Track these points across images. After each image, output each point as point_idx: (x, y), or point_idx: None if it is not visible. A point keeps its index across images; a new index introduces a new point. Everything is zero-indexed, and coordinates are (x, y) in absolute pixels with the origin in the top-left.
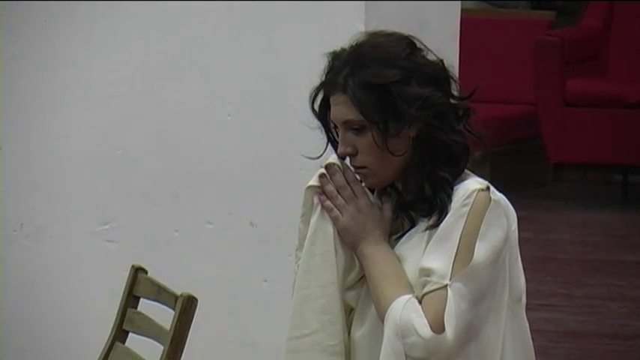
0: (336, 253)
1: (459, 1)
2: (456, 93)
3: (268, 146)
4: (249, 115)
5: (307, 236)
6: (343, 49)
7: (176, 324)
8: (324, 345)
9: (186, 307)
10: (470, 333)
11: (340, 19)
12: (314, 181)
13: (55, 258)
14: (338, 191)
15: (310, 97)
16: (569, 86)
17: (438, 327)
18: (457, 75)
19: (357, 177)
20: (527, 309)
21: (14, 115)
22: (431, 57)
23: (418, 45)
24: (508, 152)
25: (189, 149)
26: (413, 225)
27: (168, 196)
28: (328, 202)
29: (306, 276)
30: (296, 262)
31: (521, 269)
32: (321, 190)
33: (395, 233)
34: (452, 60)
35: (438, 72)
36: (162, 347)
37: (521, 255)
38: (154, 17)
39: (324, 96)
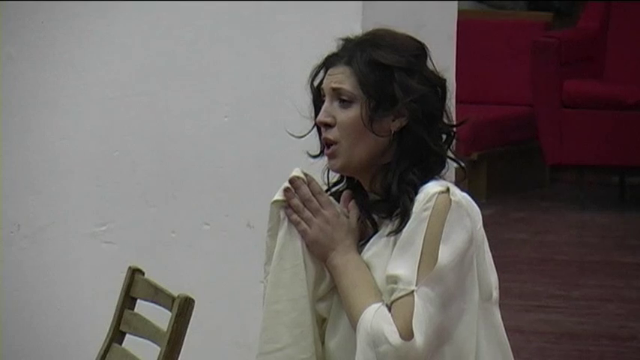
0: (305, 266)
1: (456, 3)
2: (446, 120)
3: (265, 147)
4: (246, 116)
5: (275, 251)
6: (357, 35)
7: (173, 325)
8: (296, 359)
9: (183, 309)
10: (442, 336)
11: (337, 20)
12: (279, 196)
13: (53, 259)
14: (304, 204)
15: (311, 74)
16: (566, 87)
17: (407, 333)
18: (454, 76)
19: (323, 188)
20: (524, 310)
21: (12, 116)
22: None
23: (428, 58)
24: (505, 154)
25: (187, 150)
26: (376, 231)
27: (165, 198)
28: (295, 216)
29: (277, 290)
30: (265, 278)
31: (492, 266)
32: (287, 204)
33: (360, 240)
34: (449, 61)
35: (439, 83)
36: (159, 348)
37: (518, 256)
38: (152, 19)
39: (324, 72)
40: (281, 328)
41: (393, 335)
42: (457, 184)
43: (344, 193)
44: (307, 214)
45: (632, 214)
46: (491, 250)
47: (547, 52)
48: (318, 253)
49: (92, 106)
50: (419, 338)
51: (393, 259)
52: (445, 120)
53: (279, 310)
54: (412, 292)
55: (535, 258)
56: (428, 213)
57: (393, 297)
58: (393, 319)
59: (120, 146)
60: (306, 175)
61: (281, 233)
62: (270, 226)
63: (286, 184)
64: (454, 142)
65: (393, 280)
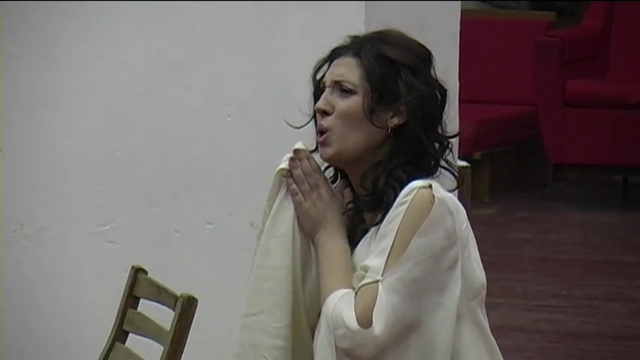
0: (294, 238)
1: (459, 2)
2: (441, 129)
3: (268, 147)
4: (249, 116)
5: (269, 217)
6: (365, 33)
7: (176, 324)
8: (266, 325)
9: (186, 308)
10: (409, 326)
11: (340, 20)
12: (284, 165)
13: (55, 259)
14: (304, 177)
15: (315, 66)
16: (569, 87)
17: (365, 320)
18: (457, 76)
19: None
20: (527, 310)
21: (14, 115)
22: None
23: (432, 67)
24: (508, 153)
25: (190, 150)
26: (366, 231)
27: (168, 197)
28: (294, 186)
29: (263, 256)
30: (257, 244)
31: (480, 266)
32: (288, 174)
33: (353, 240)
34: (452, 61)
35: (440, 90)
36: (162, 348)
37: (521, 256)
38: (154, 18)
39: (328, 66)
40: (259, 293)
41: (350, 321)
42: (459, 185)
43: (339, 181)
44: (306, 186)
45: (635, 213)
46: (494, 250)
47: (550, 52)
48: (308, 227)
49: (94, 106)
50: (377, 327)
51: (370, 251)
52: (440, 129)
53: (261, 275)
54: (377, 281)
55: (538, 257)
56: (405, 207)
57: (360, 284)
58: (355, 305)
59: (122, 145)
60: (307, 151)
61: (277, 200)
62: (270, 195)
63: (291, 154)
64: (450, 152)
65: (365, 269)
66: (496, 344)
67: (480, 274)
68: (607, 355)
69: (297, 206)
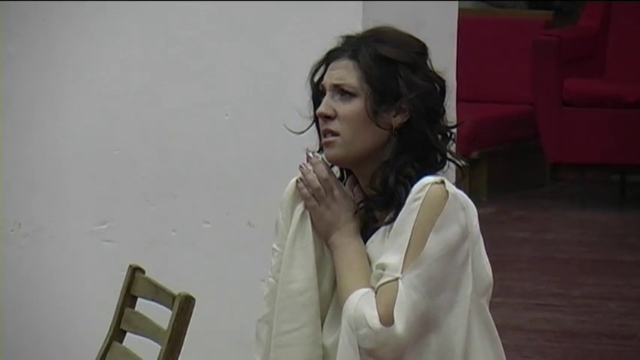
0: (315, 245)
1: (457, 1)
2: (444, 120)
3: (266, 146)
4: (247, 115)
5: (291, 230)
6: (359, 32)
7: (173, 324)
8: (314, 337)
9: (184, 307)
10: (427, 324)
11: (338, 19)
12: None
13: (53, 258)
14: (319, 181)
15: (312, 69)
16: (566, 86)
17: (388, 319)
18: (455, 75)
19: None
20: (524, 309)
21: (12, 115)
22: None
23: (428, 58)
24: (506, 152)
25: (187, 149)
26: (377, 228)
27: (165, 196)
28: (305, 190)
29: (291, 270)
30: (273, 252)
31: (487, 264)
32: (300, 179)
33: (364, 238)
34: (449, 60)
35: (439, 82)
36: (159, 347)
37: (519, 255)
38: (152, 18)
39: (325, 68)
40: (299, 308)
41: (373, 320)
42: (458, 183)
43: (349, 177)
44: (321, 191)
45: (633, 212)
46: (491, 249)
47: (547, 51)
48: (323, 230)
49: (92, 105)
50: (399, 325)
51: (385, 249)
52: (442, 121)
53: (296, 290)
54: (397, 279)
55: (535, 256)
56: (419, 203)
57: (379, 283)
58: (376, 304)
59: (120, 145)
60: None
61: (297, 213)
62: (286, 209)
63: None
64: (453, 142)
65: (382, 267)
66: (501, 344)
67: (488, 271)
68: (605, 354)
69: (311, 210)
